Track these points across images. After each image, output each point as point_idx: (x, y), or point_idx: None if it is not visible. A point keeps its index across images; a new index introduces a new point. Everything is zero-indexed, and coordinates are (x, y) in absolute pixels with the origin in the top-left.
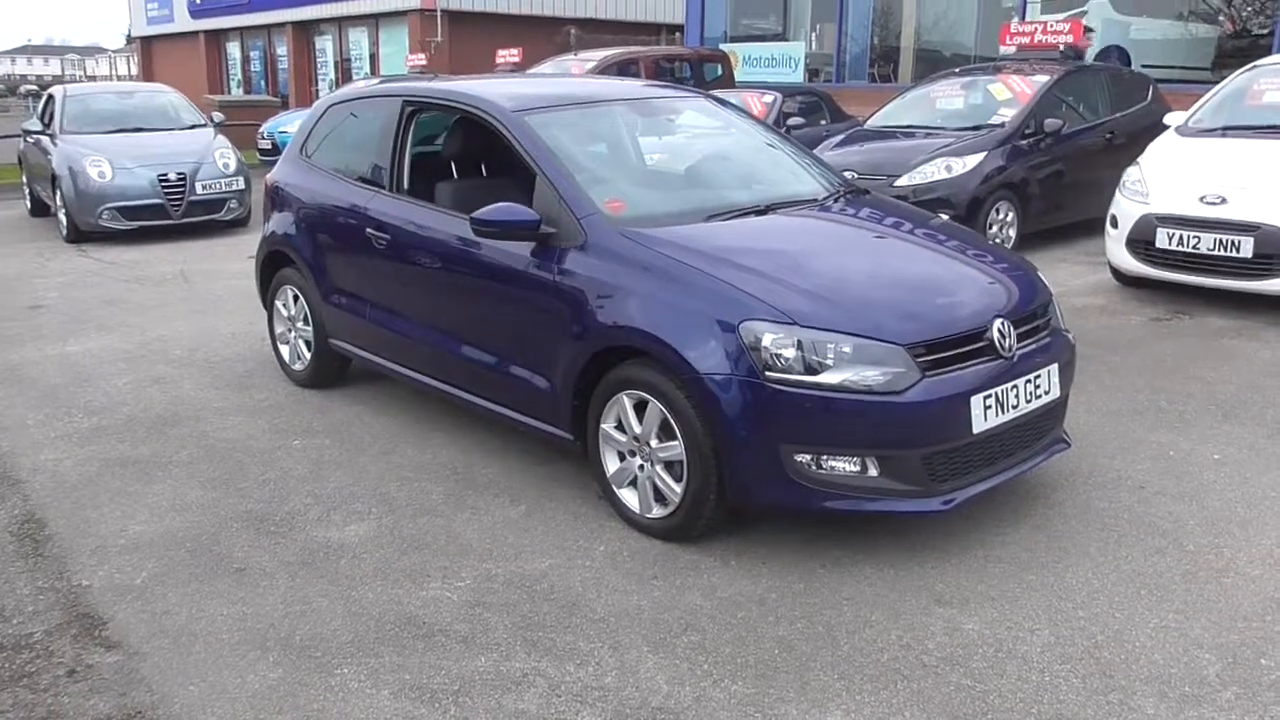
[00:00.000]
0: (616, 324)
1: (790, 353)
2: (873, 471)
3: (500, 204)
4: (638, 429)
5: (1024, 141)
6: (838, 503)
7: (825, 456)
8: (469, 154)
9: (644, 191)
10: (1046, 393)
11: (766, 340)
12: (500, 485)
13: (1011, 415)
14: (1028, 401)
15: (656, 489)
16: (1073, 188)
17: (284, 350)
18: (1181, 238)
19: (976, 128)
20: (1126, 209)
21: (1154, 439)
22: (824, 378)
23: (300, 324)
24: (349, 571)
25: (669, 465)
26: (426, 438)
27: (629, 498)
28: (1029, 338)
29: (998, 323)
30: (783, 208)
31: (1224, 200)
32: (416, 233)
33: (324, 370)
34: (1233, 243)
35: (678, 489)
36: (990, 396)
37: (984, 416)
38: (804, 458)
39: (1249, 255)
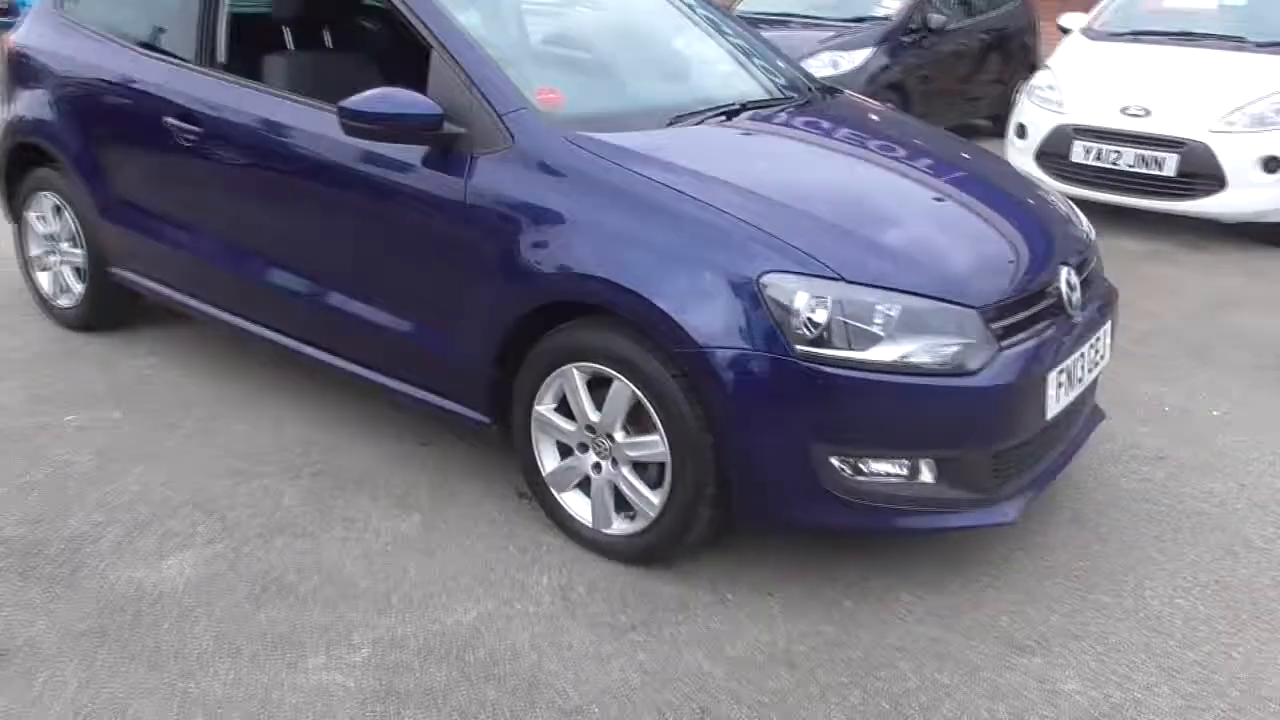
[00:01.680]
0: (567, 269)
1: (832, 319)
2: (927, 477)
3: (382, 91)
4: (593, 416)
5: (907, 38)
6: (899, 520)
7: (869, 459)
8: (312, 17)
9: (581, 80)
10: (1102, 358)
11: (799, 301)
12: (378, 482)
13: (1076, 392)
14: (1089, 372)
15: (619, 496)
16: (949, 91)
17: (42, 279)
18: (1100, 152)
19: (860, 20)
20: (1037, 118)
21: (1140, 390)
22: (875, 353)
23: (66, 245)
24: (176, 646)
25: (640, 467)
26: (261, 407)
27: (576, 505)
28: (1086, 289)
29: (1065, 273)
30: (756, 109)
31: (1148, 113)
32: (248, 127)
33: (103, 307)
34: (1156, 159)
35: (654, 499)
36: (1063, 371)
37: (1056, 398)
38: (841, 462)
39: (1171, 174)
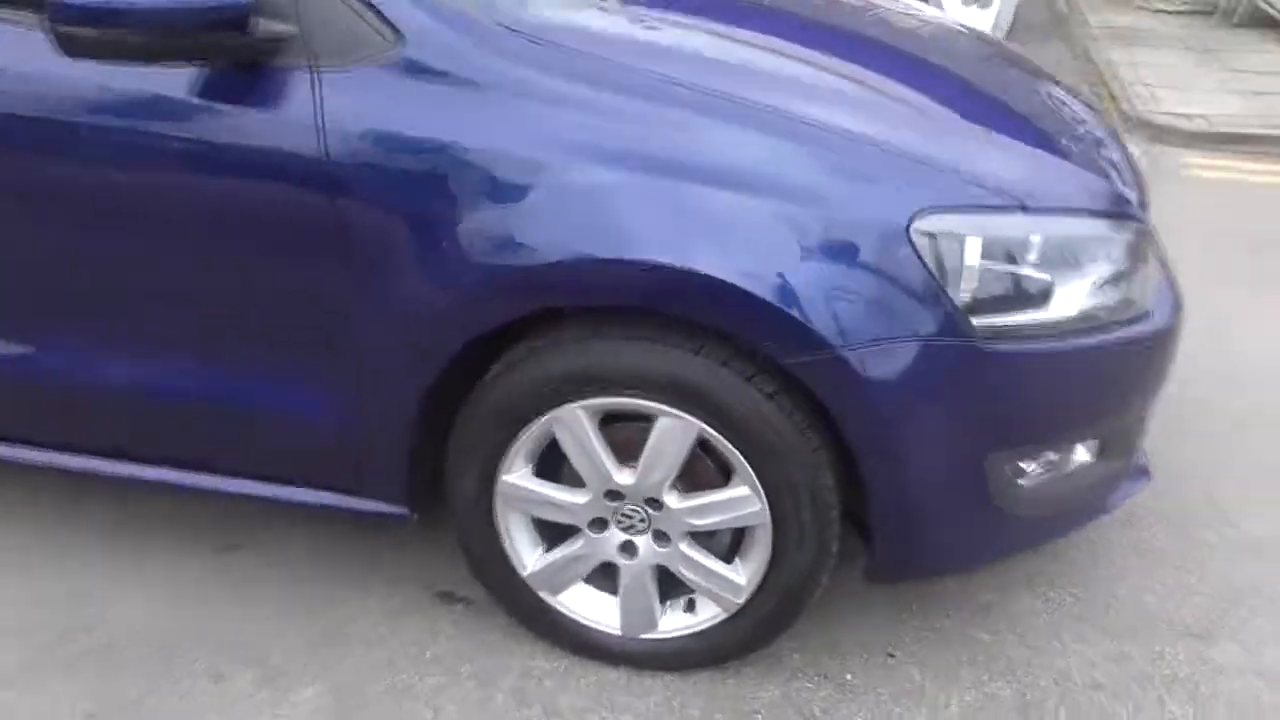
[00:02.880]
0: (575, 254)
1: (1015, 270)
2: (1084, 456)
3: None
4: (618, 476)
5: None
6: (1065, 523)
7: (1041, 455)
8: None
9: None
10: None
11: (972, 249)
12: (218, 642)
13: None
14: None
15: (666, 586)
16: None
17: None
18: None
19: None
20: None
21: None
22: (1055, 310)
23: None
24: None
25: (703, 538)
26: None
27: (585, 606)
28: None
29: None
30: None
31: None
32: None
33: None
34: None
35: (739, 577)
36: None
37: None
38: (1014, 468)
39: None
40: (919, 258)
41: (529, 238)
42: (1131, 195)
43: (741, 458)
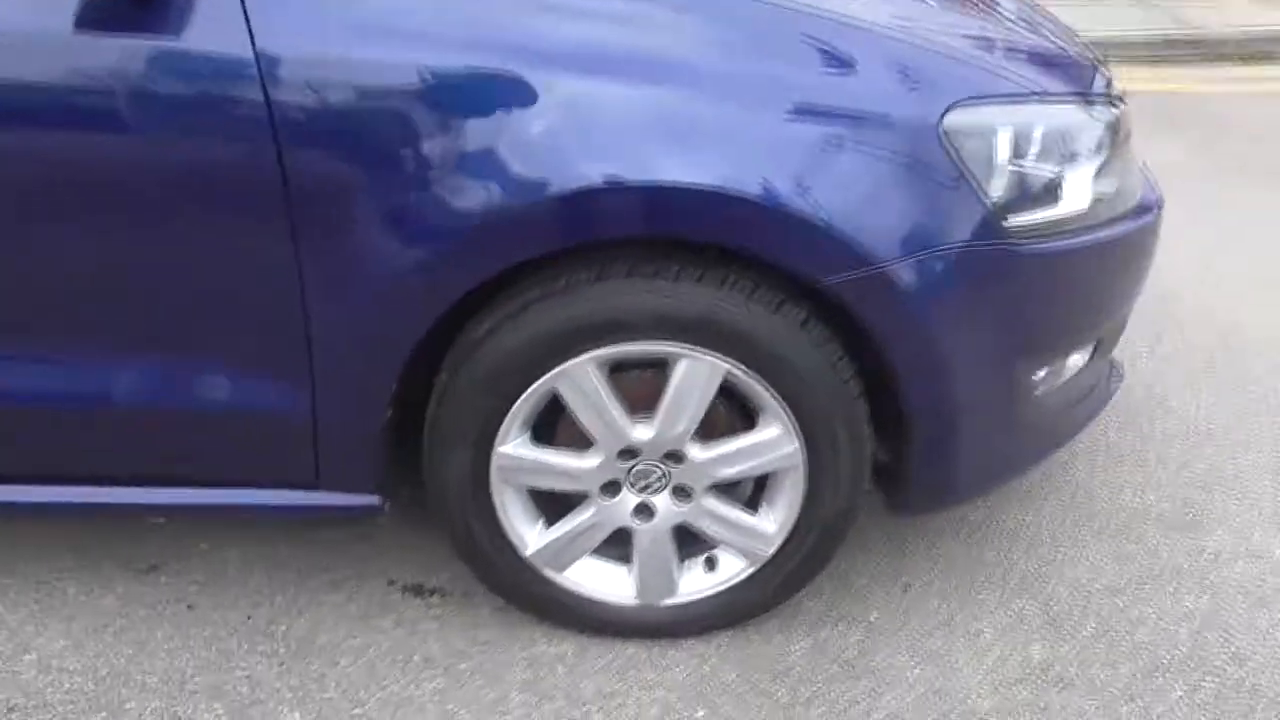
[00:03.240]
0: (587, 182)
1: (1035, 164)
2: (1078, 360)
3: None
4: (632, 430)
5: None
6: (1069, 433)
7: (1057, 358)
8: None
9: None
10: None
11: (1003, 143)
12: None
13: None
14: None
15: (685, 545)
16: None
17: None
18: None
19: None
20: None
21: None
22: (1068, 204)
23: None
24: None
25: (725, 489)
26: None
27: (596, 580)
28: None
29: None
30: None
31: None
32: None
33: None
34: None
35: (768, 526)
36: None
37: None
38: (1035, 378)
39: None
40: (952, 156)
41: (522, 168)
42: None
43: (774, 396)
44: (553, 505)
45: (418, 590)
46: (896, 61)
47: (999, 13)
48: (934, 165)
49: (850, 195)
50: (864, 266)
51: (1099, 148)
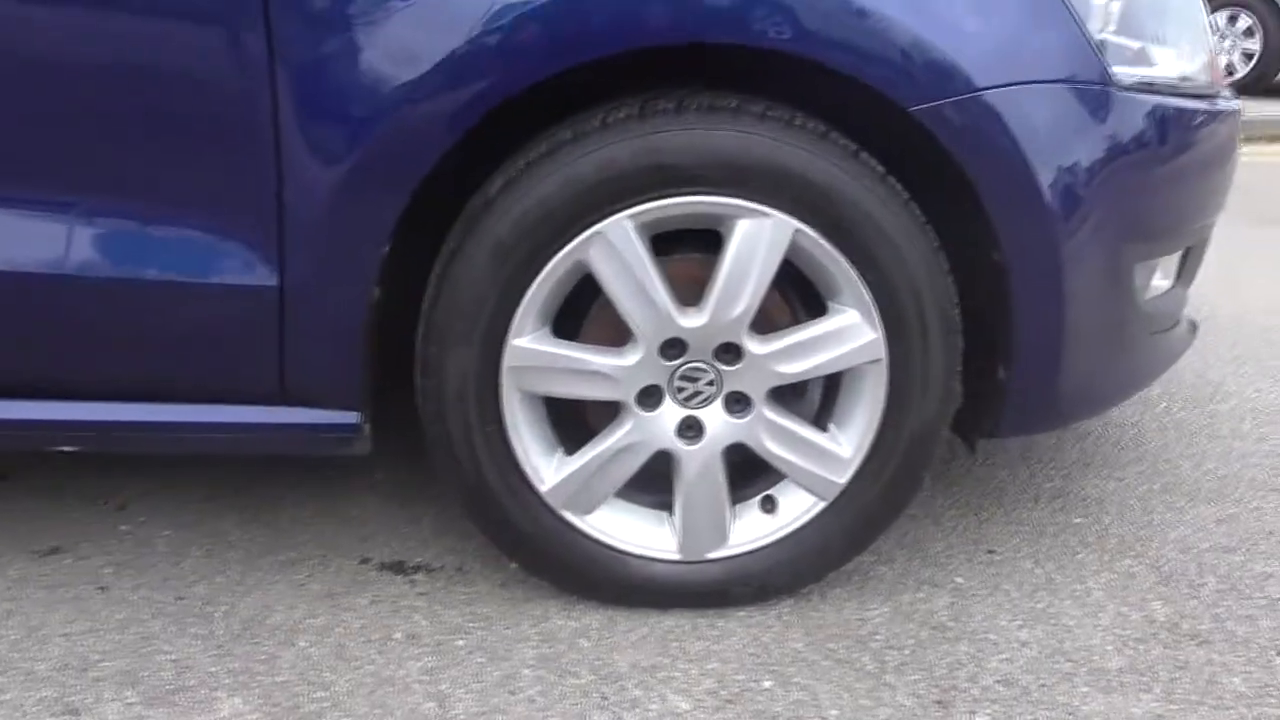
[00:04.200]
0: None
1: (1129, 10)
2: (1167, 282)
3: None
4: (678, 315)
5: None
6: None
7: (1162, 256)
8: None
9: None
10: None
11: None
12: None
13: None
14: None
15: (737, 488)
16: None
17: None
18: None
19: None
20: None
21: None
22: (1162, 66)
23: None
24: None
25: (789, 401)
26: None
27: (634, 531)
28: None
29: None
30: None
31: None
32: None
33: None
34: None
35: (843, 448)
36: None
37: None
38: (1144, 272)
39: None
40: None
41: None
42: None
43: (850, 267)
44: (572, 437)
45: (398, 567)
46: None
47: None
48: None
49: (947, 5)
50: (961, 90)
51: (1187, 17)
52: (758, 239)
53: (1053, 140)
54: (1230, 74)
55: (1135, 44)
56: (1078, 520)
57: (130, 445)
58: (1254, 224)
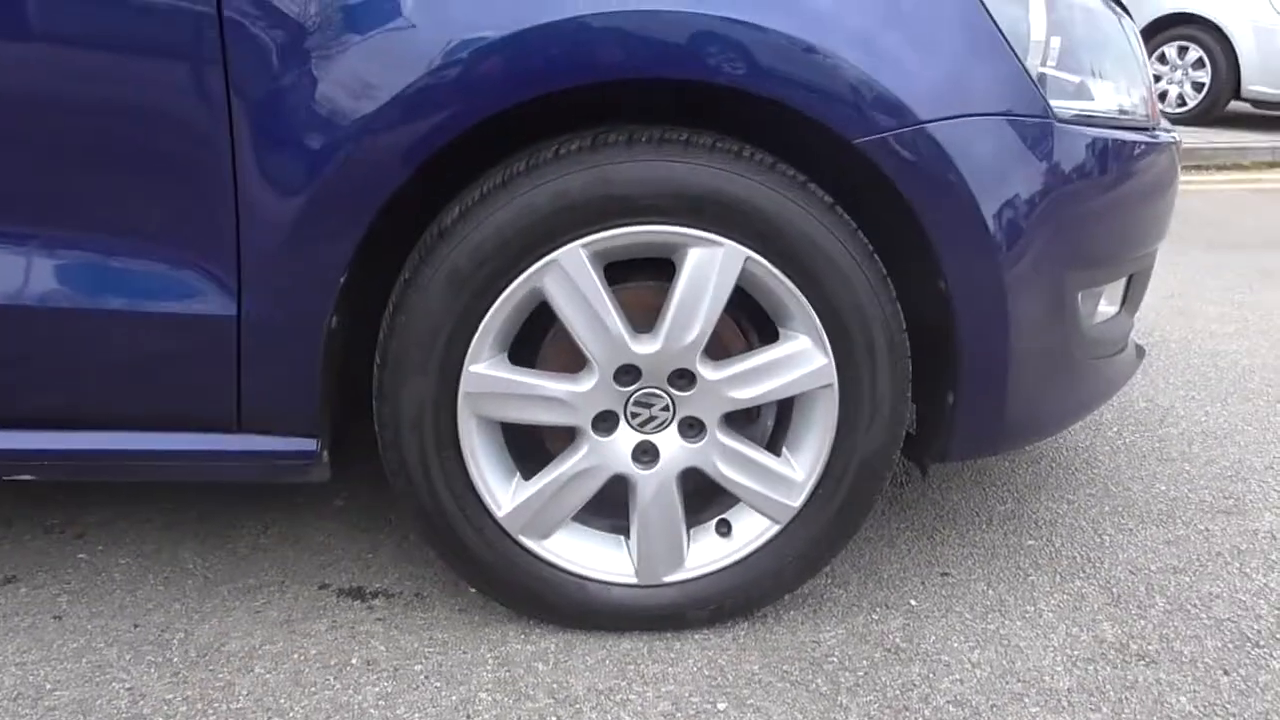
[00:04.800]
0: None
1: (1072, 36)
2: (1113, 308)
3: None
4: (632, 341)
5: None
6: (1109, 387)
7: (1104, 283)
8: None
9: None
10: None
11: (1037, 10)
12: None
13: None
14: None
15: (691, 513)
16: None
17: None
18: None
19: None
20: None
21: None
22: (1103, 101)
23: None
24: None
25: (740, 427)
26: None
27: (584, 555)
28: None
29: None
30: None
31: None
32: None
33: None
34: None
35: (797, 472)
36: None
37: None
38: (1088, 298)
39: None
40: (984, 8)
41: None
42: None
43: (800, 294)
44: (531, 462)
45: (357, 593)
46: None
47: None
48: (974, 20)
49: (892, 43)
50: (907, 122)
51: (1118, 50)
52: (709, 267)
53: (994, 171)
54: (1182, 104)
55: (1074, 78)
56: (1030, 542)
57: (86, 473)
58: (1204, 250)
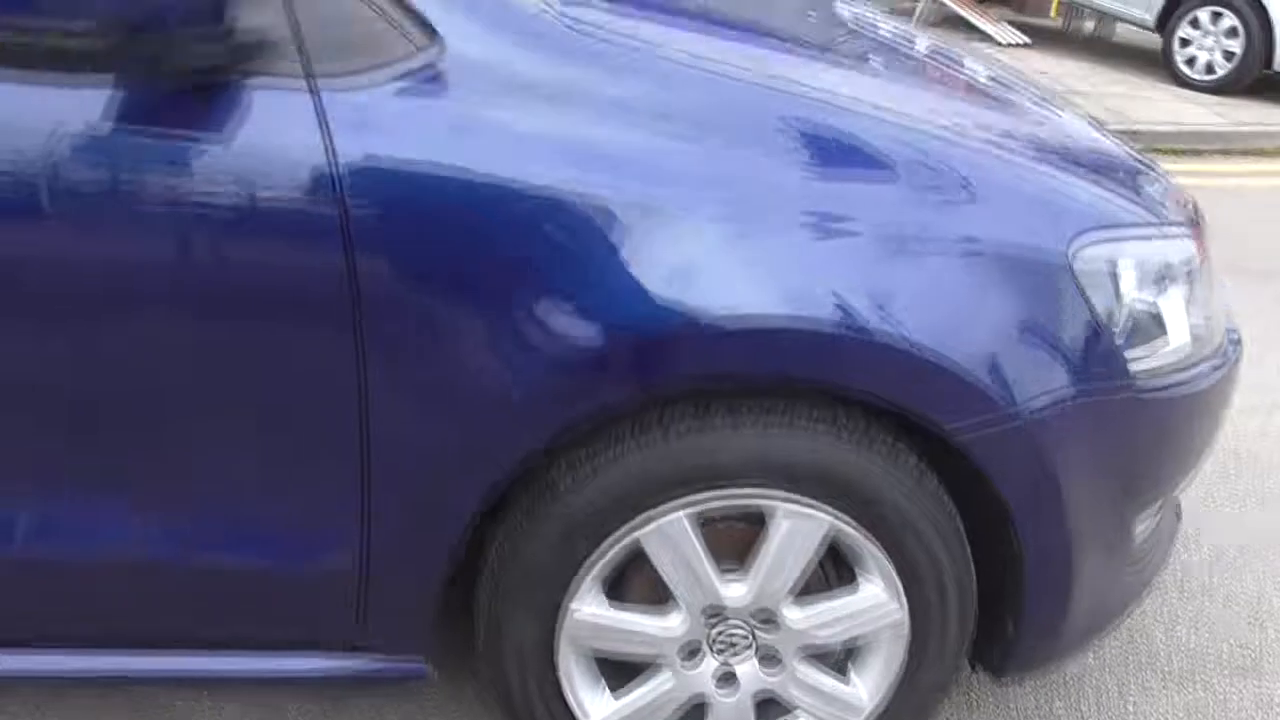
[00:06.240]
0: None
1: (1148, 299)
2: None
3: None
4: (725, 590)
5: None
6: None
7: (1156, 505)
8: None
9: None
10: None
11: (1127, 279)
12: None
13: None
14: None
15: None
16: None
17: None
18: None
19: None
20: None
21: None
22: (1174, 340)
23: None
24: None
25: (816, 657)
26: None
27: None
28: None
29: None
30: None
31: None
32: None
33: None
34: None
35: (862, 694)
36: None
37: None
38: (1146, 526)
39: None
40: (1081, 292)
41: (635, 302)
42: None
43: (883, 554)
44: (616, 666)
45: None
46: (1022, 187)
47: (1105, 140)
48: (1063, 301)
49: (979, 338)
50: (992, 415)
51: (1186, 282)
52: (799, 532)
53: (1074, 440)
54: (1210, 72)
55: (1145, 330)
56: (1058, 707)
57: (218, 686)
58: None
